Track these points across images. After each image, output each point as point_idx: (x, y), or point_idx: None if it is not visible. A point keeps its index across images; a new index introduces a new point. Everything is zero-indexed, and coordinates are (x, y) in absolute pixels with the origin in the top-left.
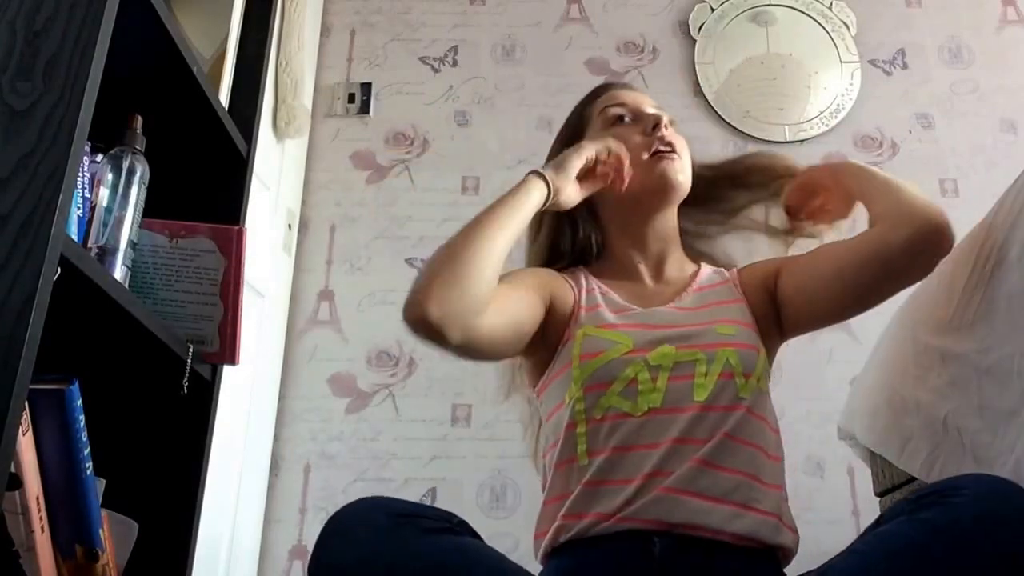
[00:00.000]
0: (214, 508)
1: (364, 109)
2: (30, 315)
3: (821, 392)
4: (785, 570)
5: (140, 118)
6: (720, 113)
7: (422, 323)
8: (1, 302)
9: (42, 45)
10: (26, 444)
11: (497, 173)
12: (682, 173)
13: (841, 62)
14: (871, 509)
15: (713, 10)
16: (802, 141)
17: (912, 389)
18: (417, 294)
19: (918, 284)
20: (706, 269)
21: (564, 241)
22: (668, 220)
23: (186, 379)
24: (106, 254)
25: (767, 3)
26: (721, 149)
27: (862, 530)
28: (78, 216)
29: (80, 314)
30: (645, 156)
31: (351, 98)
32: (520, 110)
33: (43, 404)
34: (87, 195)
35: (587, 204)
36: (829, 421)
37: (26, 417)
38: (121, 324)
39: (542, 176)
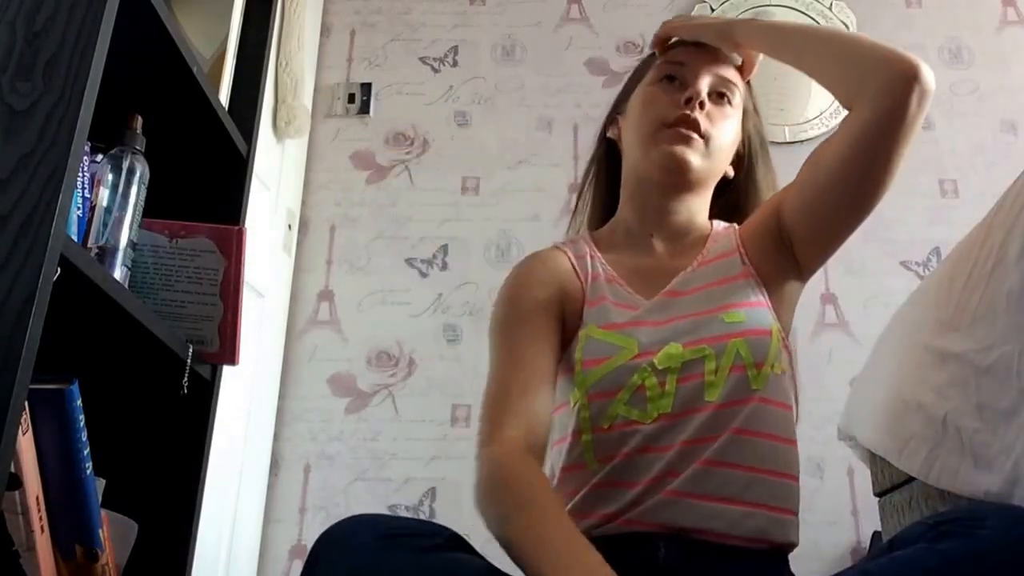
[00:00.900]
0: (214, 508)
1: (364, 109)
2: (30, 315)
3: (821, 393)
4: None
5: (140, 118)
6: None
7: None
8: (1, 302)
9: (42, 45)
10: (26, 444)
11: (497, 173)
12: (698, 155)
13: None
14: (871, 509)
15: (713, 10)
16: (802, 142)
17: (911, 389)
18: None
19: (918, 285)
20: (717, 230)
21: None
22: (690, 206)
23: (186, 379)
24: (106, 254)
25: (767, 3)
26: None
27: (862, 531)
28: (78, 216)
29: (80, 314)
30: (662, 125)
31: (351, 98)
32: (520, 110)
33: (43, 404)
34: (87, 195)
35: (610, 156)
36: (829, 422)
37: (26, 417)
38: (121, 324)
39: None
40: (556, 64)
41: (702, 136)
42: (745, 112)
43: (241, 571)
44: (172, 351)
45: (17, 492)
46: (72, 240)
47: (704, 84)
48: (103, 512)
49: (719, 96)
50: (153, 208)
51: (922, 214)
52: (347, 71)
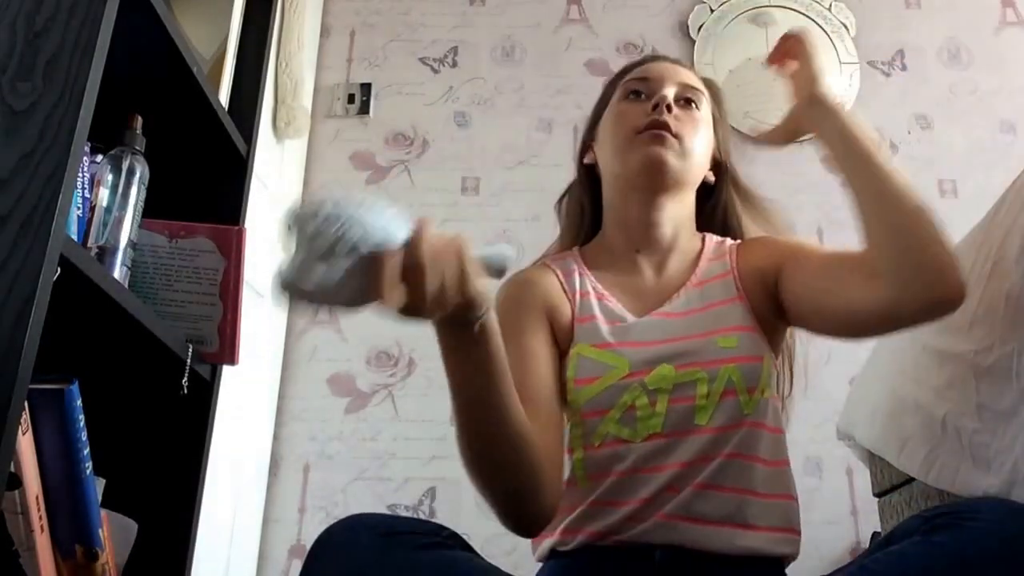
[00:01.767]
0: (214, 508)
1: (364, 110)
2: (30, 315)
3: (820, 392)
4: (785, 570)
5: (140, 118)
6: None
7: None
8: (1, 302)
9: (42, 45)
10: (26, 444)
11: (497, 174)
12: (673, 154)
13: (840, 63)
14: (870, 509)
15: (712, 11)
16: (801, 142)
17: (911, 389)
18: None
19: None
20: (709, 246)
21: (580, 221)
22: (673, 216)
23: (186, 379)
24: (106, 254)
25: (766, 4)
26: None
27: (861, 531)
28: (78, 216)
29: (80, 314)
30: (634, 132)
31: (351, 99)
32: (520, 111)
33: (43, 404)
34: (87, 195)
35: (592, 182)
36: (828, 422)
37: (26, 417)
38: (121, 324)
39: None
40: (556, 65)
41: (674, 135)
42: (715, 120)
43: (241, 571)
44: (172, 351)
45: (17, 492)
46: (72, 240)
47: (670, 91)
48: (103, 512)
49: (686, 102)
50: (153, 208)
51: None
52: (347, 71)
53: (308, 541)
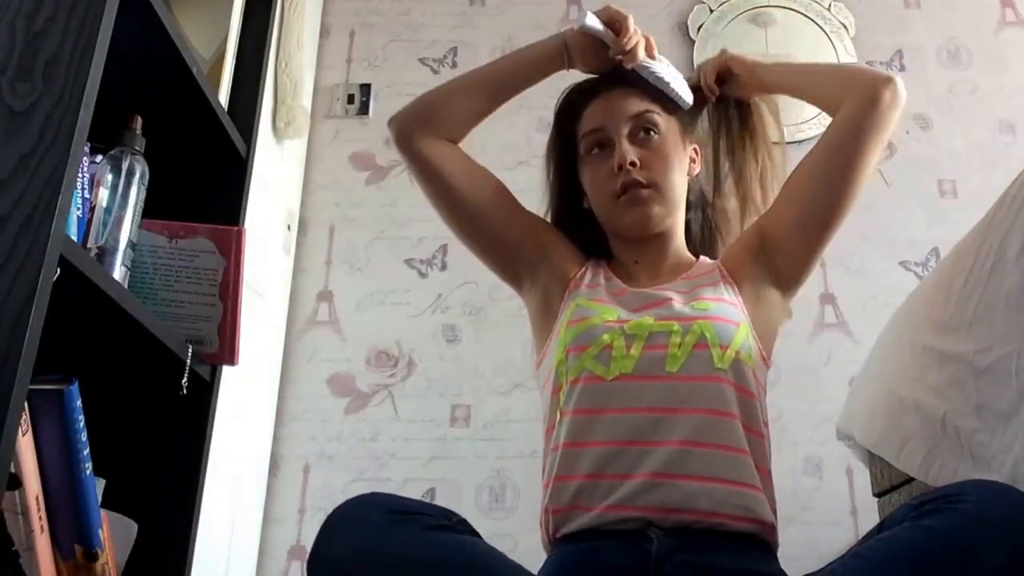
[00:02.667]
0: (214, 508)
1: (363, 110)
2: (30, 315)
3: (820, 393)
4: (784, 570)
5: (140, 119)
6: None
7: (391, 122)
8: (1, 302)
9: (42, 45)
10: (26, 444)
11: (497, 173)
12: (655, 204)
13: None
14: (870, 510)
15: (712, 11)
16: (800, 142)
17: (910, 389)
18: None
19: (917, 285)
20: (704, 261)
21: (565, 199)
22: (664, 235)
23: (185, 379)
24: (105, 254)
25: (766, 4)
26: None
27: (861, 531)
28: (78, 216)
29: (79, 314)
30: (614, 198)
31: (350, 99)
32: (519, 111)
33: (43, 404)
34: (87, 195)
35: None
36: (828, 422)
37: (26, 417)
38: (120, 324)
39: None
40: None
41: (648, 185)
42: (673, 112)
43: (241, 571)
44: (172, 351)
45: (17, 492)
46: (72, 240)
47: (624, 138)
48: (103, 512)
49: (644, 132)
50: (153, 208)
51: (921, 214)
52: (346, 72)
53: (308, 541)
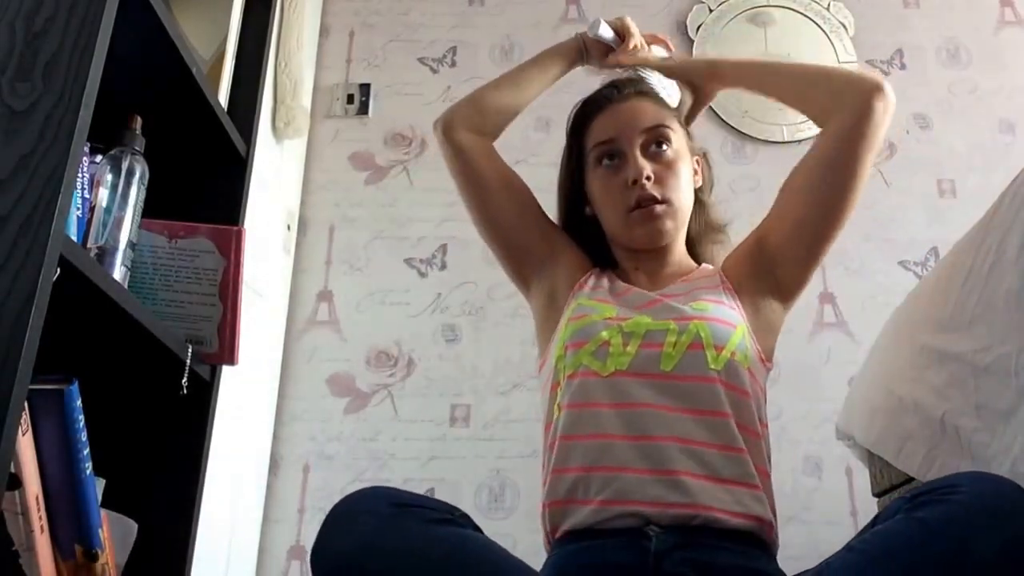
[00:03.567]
0: (214, 508)
1: (363, 110)
2: (30, 315)
3: (819, 393)
4: (783, 569)
5: (139, 118)
6: (719, 113)
7: (441, 116)
8: (1, 302)
9: (42, 45)
10: (26, 444)
11: None
12: (668, 218)
13: (839, 63)
14: (869, 509)
15: (711, 11)
16: (800, 141)
17: (910, 389)
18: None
19: (916, 285)
20: (705, 267)
21: (568, 205)
22: (669, 245)
23: (185, 379)
24: (105, 254)
25: (765, 4)
26: (720, 149)
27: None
28: (78, 216)
29: (79, 314)
30: (627, 211)
31: (350, 99)
32: None
33: (43, 404)
34: (87, 195)
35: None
36: (827, 421)
37: (26, 417)
38: (120, 324)
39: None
40: None
41: (663, 201)
42: (682, 123)
43: (240, 571)
44: (171, 351)
45: (17, 492)
46: (72, 240)
47: (637, 152)
48: (103, 512)
49: (657, 146)
50: (153, 208)
51: (920, 214)
52: (346, 72)
53: (308, 541)
